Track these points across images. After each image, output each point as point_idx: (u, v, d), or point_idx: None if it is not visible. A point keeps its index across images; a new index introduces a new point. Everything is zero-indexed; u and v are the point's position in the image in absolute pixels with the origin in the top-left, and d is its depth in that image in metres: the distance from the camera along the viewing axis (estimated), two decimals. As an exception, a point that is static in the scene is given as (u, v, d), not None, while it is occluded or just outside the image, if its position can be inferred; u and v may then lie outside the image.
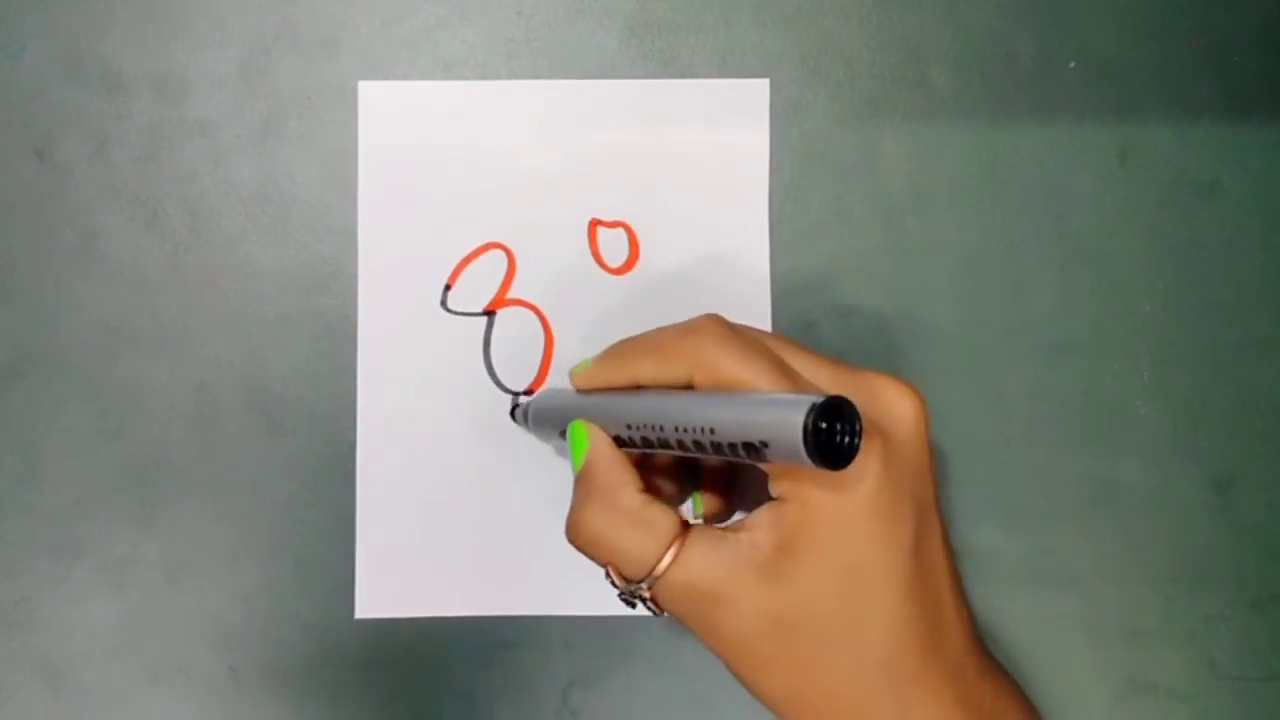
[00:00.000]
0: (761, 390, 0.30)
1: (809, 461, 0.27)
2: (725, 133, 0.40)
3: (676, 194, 0.40)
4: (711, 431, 0.29)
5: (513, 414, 0.39)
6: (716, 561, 0.31)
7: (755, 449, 0.28)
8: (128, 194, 0.40)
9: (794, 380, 0.31)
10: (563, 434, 0.35)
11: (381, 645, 0.40)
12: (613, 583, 0.33)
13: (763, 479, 0.31)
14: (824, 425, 0.27)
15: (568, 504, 0.39)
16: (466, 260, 0.40)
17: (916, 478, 0.32)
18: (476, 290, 0.40)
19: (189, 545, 0.40)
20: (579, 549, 0.33)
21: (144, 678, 0.40)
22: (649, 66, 0.40)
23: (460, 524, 0.40)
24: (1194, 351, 0.40)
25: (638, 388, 0.33)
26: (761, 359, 0.31)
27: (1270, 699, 0.40)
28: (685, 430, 0.30)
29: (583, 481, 0.33)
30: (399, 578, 0.40)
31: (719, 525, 0.33)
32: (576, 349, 0.40)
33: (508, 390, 0.40)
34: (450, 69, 0.40)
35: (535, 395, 0.38)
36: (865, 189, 0.40)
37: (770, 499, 0.31)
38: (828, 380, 0.32)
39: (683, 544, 0.32)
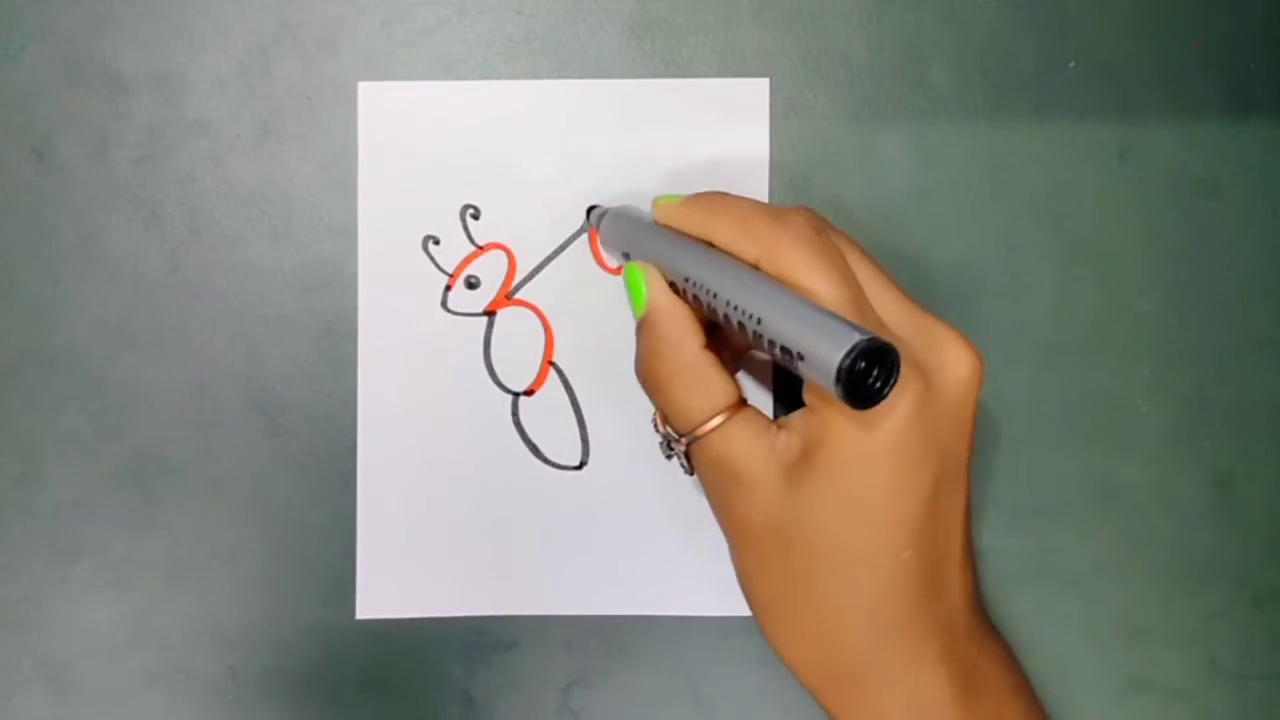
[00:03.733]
0: (821, 302, 0.30)
1: (835, 393, 0.27)
2: (725, 133, 0.40)
3: (676, 194, 0.40)
4: (759, 321, 0.29)
5: (588, 213, 0.39)
6: (753, 447, 0.32)
7: (791, 356, 0.28)
8: (128, 194, 0.40)
9: (857, 304, 0.31)
10: (626, 256, 0.35)
11: (382, 645, 0.40)
12: (656, 428, 0.34)
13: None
14: (860, 365, 0.27)
15: (569, 505, 0.40)
16: (467, 260, 0.40)
17: (952, 433, 0.31)
18: (476, 290, 0.40)
19: (189, 545, 0.40)
20: (645, 391, 0.34)
21: (144, 678, 0.39)
22: (649, 66, 0.40)
23: (460, 524, 0.40)
24: (1194, 351, 0.40)
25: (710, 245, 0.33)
26: (832, 273, 0.31)
27: (1271, 697, 0.40)
28: (735, 308, 0.30)
29: (647, 329, 0.34)
30: (399, 578, 0.40)
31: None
32: (577, 349, 0.40)
33: (508, 390, 0.40)
34: (450, 69, 0.40)
35: (616, 208, 0.38)
36: (865, 189, 0.40)
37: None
38: (894, 315, 0.32)
39: (730, 417, 0.32)
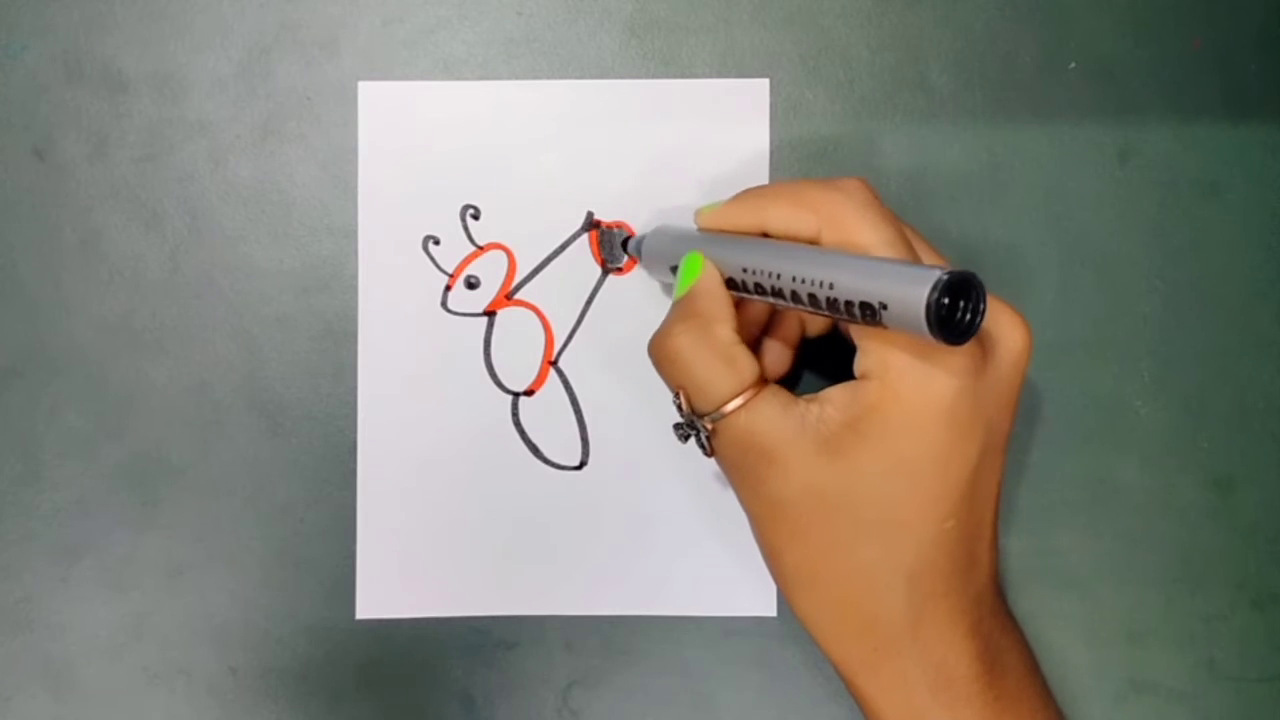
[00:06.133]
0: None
1: (925, 331, 0.27)
2: (725, 133, 0.40)
3: (676, 194, 0.40)
4: (831, 286, 0.29)
5: (624, 245, 0.39)
6: (783, 421, 0.32)
7: (872, 310, 0.28)
8: (128, 194, 0.40)
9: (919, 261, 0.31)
10: (673, 270, 0.35)
11: (381, 645, 0.40)
12: (679, 408, 0.33)
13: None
14: (946, 300, 0.27)
15: (569, 505, 0.40)
16: (467, 260, 0.40)
17: (999, 406, 0.32)
18: (476, 290, 0.40)
19: (189, 545, 0.40)
20: (656, 363, 0.34)
21: (144, 678, 0.40)
22: (649, 66, 0.40)
23: (460, 524, 0.40)
24: (1194, 351, 0.40)
25: (762, 236, 0.33)
26: (894, 231, 0.31)
27: (1270, 699, 0.40)
28: (804, 281, 0.30)
29: (682, 304, 0.34)
30: (399, 578, 0.40)
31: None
32: (577, 349, 0.40)
33: (508, 390, 0.40)
34: (450, 69, 0.40)
35: (653, 230, 0.38)
36: (865, 189, 0.40)
37: (849, 380, 0.32)
38: None
39: (756, 394, 0.32)
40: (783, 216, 0.32)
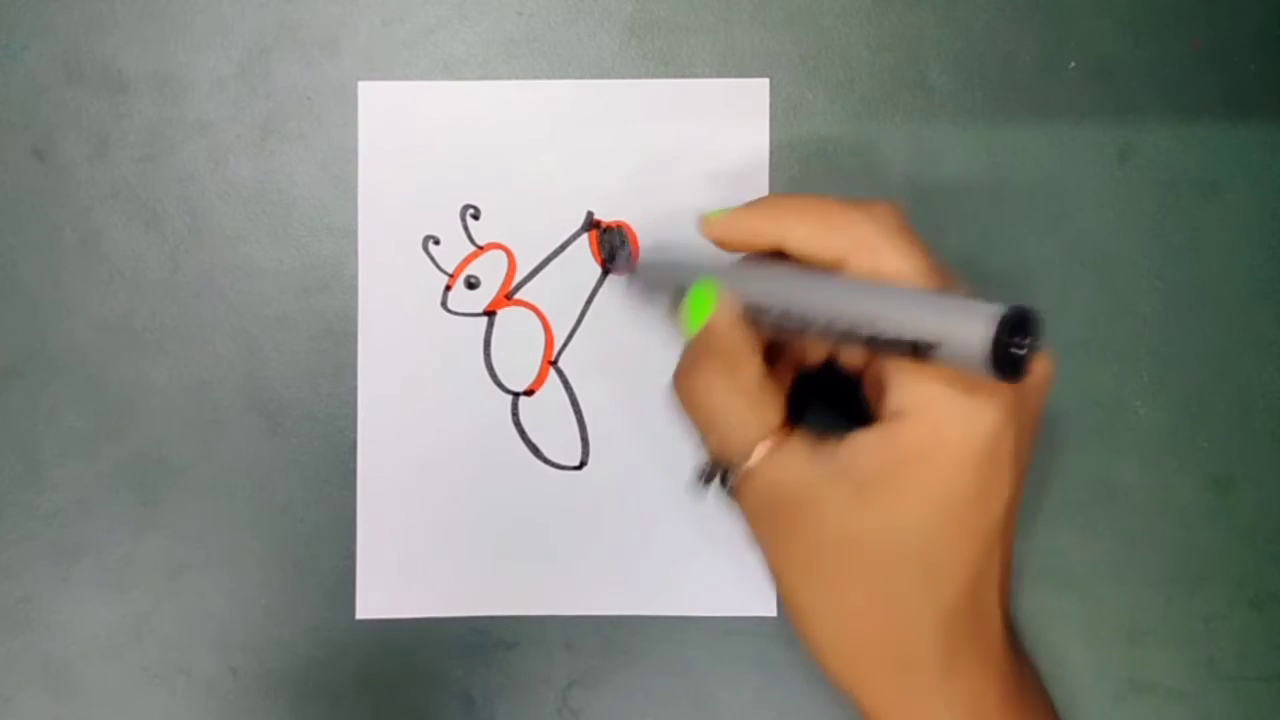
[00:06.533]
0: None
1: (985, 370, 0.25)
2: (725, 133, 0.40)
3: (676, 194, 0.40)
4: (873, 323, 0.27)
5: (611, 258, 0.37)
6: (813, 469, 0.29)
7: (920, 348, 0.26)
8: (128, 194, 0.40)
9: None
10: (672, 296, 0.32)
11: (381, 645, 0.40)
12: (704, 463, 0.31)
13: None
14: (1004, 338, 0.26)
15: (569, 505, 0.40)
16: (467, 260, 0.40)
17: (1029, 437, 0.30)
18: (476, 290, 0.40)
19: (189, 545, 0.40)
20: (679, 407, 0.31)
21: (144, 678, 0.40)
22: (649, 66, 0.40)
23: (460, 524, 0.40)
24: (1194, 351, 0.40)
25: (773, 254, 0.30)
26: (928, 260, 0.29)
27: (1269, 699, 0.40)
28: (841, 317, 0.28)
29: (703, 340, 0.31)
30: (399, 578, 0.40)
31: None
32: (577, 349, 0.40)
33: (508, 390, 0.40)
34: (450, 69, 0.40)
35: (645, 258, 0.35)
36: (865, 189, 0.40)
37: (874, 421, 0.29)
38: None
39: (783, 439, 0.30)
40: (806, 235, 0.30)
